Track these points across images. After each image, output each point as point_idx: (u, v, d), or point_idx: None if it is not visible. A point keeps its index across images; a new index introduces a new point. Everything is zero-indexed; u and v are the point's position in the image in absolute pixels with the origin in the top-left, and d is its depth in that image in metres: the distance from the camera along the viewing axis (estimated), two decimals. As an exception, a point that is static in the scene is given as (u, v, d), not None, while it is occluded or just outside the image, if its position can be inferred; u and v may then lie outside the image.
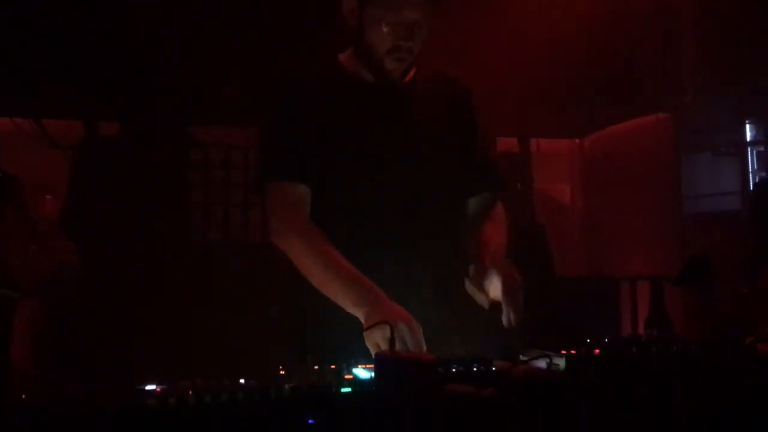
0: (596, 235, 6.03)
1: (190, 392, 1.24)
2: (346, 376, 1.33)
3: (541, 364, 1.35)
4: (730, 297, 1.92)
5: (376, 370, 1.08)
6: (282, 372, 1.42)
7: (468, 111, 1.89)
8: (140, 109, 4.55)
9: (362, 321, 1.55)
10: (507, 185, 1.92)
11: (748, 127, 5.14)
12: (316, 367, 1.41)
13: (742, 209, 4.95)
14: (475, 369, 1.18)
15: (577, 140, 6.30)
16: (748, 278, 2.62)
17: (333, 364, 1.39)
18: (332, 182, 1.75)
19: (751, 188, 4.96)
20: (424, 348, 1.47)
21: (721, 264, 4.23)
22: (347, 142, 1.75)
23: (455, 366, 1.20)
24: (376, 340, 1.49)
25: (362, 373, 1.33)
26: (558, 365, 1.27)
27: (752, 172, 5.13)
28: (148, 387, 1.32)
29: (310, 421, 1.00)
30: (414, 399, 0.98)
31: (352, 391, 1.09)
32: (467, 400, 0.97)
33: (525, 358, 1.44)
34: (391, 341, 1.14)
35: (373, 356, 1.32)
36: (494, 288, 1.61)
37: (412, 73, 1.83)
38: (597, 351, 1.29)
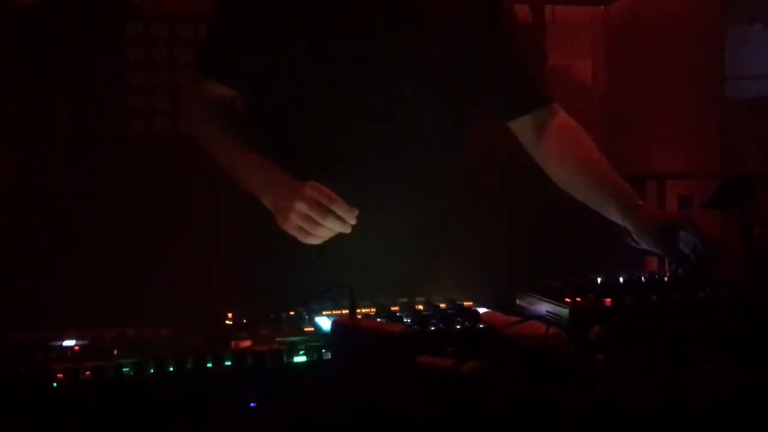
0: (620, 124, 5.96)
1: (115, 352, 1.22)
2: (306, 329, 1.31)
3: (541, 310, 1.34)
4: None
5: (333, 341, 1.04)
6: (229, 321, 1.41)
7: (493, 20, 1.79)
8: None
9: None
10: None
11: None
12: (271, 314, 1.40)
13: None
14: (458, 327, 1.15)
15: (602, 7, 6.12)
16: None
17: (292, 309, 1.38)
18: (297, 95, 1.70)
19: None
20: (348, 215, 1.50)
21: (765, 167, 4.21)
22: (324, 39, 1.67)
23: (435, 323, 1.18)
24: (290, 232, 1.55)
25: (326, 323, 1.30)
26: (560, 317, 1.25)
27: (811, 50, 5.02)
28: (66, 342, 1.30)
29: (252, 405, 0.97)
30: (379, 376, 0.95)
31: (307, 361, 1.06)
32: (443, 378, 0.95)
33: (521, 304, 1.42)
34: (351, 306, 1.10)
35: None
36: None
37: None
38: (608, 301, 1.26)
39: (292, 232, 1.57)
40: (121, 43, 4.62)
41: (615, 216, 1.72)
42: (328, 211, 1.51)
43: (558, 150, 1.82)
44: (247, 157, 1.70)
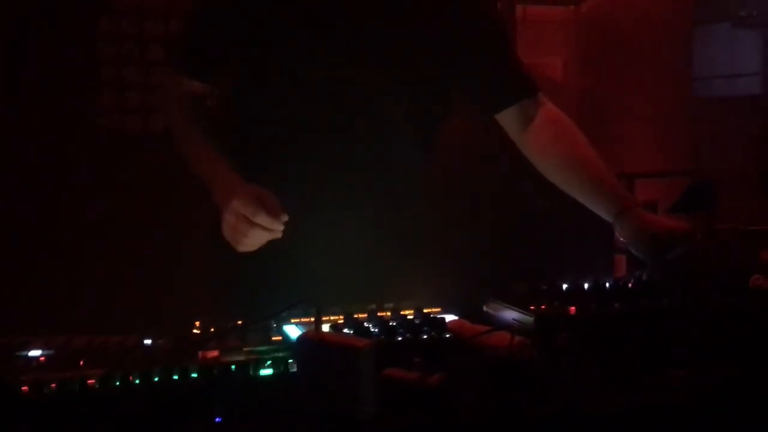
0: (590, 122, 6.00)
1: (81, 362, 1.21)
2: (274, 338, 1.31)
3: (508, 317, 1.34)
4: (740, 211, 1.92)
5: (299, 356, 1.04)
6: (197, 330, 1.40)
7: (475, 11, 1.78)
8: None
9: None
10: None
11: (775, -6, 5.04)
12: (240, 321, 1.39)
13: (763, 93, 4.93)
14: (424, 337, 1.16)
15: (572, 6, 6.15)
16: (761, 193, 2.63)
17: (259, 322, 1.38)
18: (268, 92, 1.70)
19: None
20: (274, 224, 1.50)
21: (732, 166, 4.26)
22: (296, 34, 1.66)
23: (402, 333, 1.18)
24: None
25: (294, 332, 1.30)
26: (525, 325, 1.25)
27: (776, 49, 5.08)
28: (31, 353, 1.29)
29: (216, 420, 0.97)
30: (344, 391, 0.95)
31: (273, 373, 1.06)
32: (410, 390, 0.95)
33: (488, 311, 1.43)
34: (317, 321, 1.10)
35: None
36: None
37: None
38: (572, 309, 1.27)
39: (227, 239, 1.58)
40: (92, 39, 4.56)
41: (604, 214, 1.71)
42: (252, 224, 1.51)
43: (546, 143, 1.80)
44: (201, 151, 1.71)
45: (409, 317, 1.28)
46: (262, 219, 1.51)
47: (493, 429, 1.01)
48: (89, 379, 1.06)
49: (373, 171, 1.71)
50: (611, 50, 5.77)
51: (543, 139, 1.80)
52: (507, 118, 1.82)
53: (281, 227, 1.52)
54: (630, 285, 1.45)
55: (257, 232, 1.52)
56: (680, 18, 5.32)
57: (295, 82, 1.68)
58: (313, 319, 1.31)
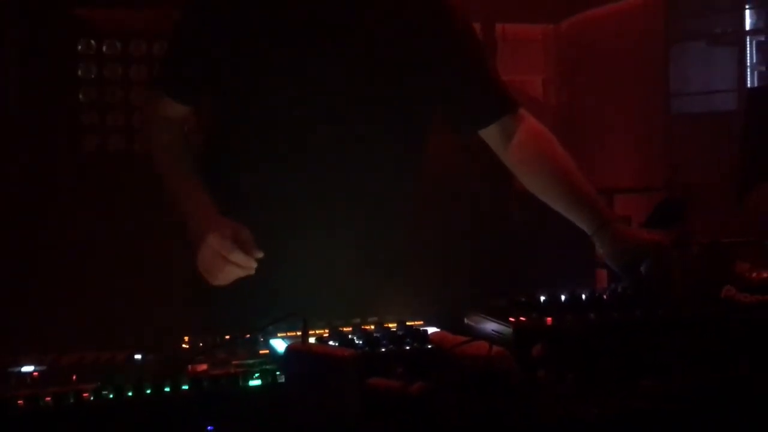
0: (569, 138, 6.08)
1: (74, 377, 1.25)
2: (261, 351, 1.35)
3: (488, 329, 1.39)
4: (714, 225, 1.98)
5: (287, 366, 1.09)
6: (186, 345, 1.44)
7: (450, 30, 1.80)
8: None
9: None
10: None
11: (747, 13, 5.16)
12: (227, 336, 1.43)
13: (738, 110, 5.03)
14: (407, 348, 1.20)
15: (552, 25, 6.24)
16: (736, 204, 2.70)
17: (247, 332, 1.42)
18: (247, 112, 1.73)
19: (748, 89, 5.03)
20: (248, 262, 1.55)
21: (709, 179, 4.33)
22: (272, 59, 1.69)
23: (385, 344, 1.22)
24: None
25: (281, 345, 1.34)
26: (505, 336, 1.30)
27: (750, 66, 5.19)
28: (24, 368, 1.32)
29: (209, 429, 1.01)
30: (330, 399, 0.99)
31: (262, 384, 1.10)
32: (392, 399, 1.00)
33: (469, 323, 1.48)
34: (304, 332, 1.15)
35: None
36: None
37: None
38: (549, 320, 1.32)
39: (201, 271, 1.63)
40: (74, 60, 4.57)
41: (584, 228, 1.77)
42: (226, 261, 1.56)
43: (528, 158, 1.85)
44: (179, 181, 1.76)
45: (392, 329, 1.33)
46: (236, 257, 1.56)
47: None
48: (84, 393, 1.10)
49: (356, 188, 1.74)
50: (589, 68, 5.87)
51: (525, 154, 1.84)
52: (489, 134, 1.86)
53: (254, 265, 1.57)
54: (605, 297, 1.50)
55: (231, 268, 1.58)
56: (656, 36, 5.42)
57: (276, 102, 1.71)
58: (298, 333, 1.36)
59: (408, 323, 1.38)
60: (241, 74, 1.72)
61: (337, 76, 1.70)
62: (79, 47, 4.58)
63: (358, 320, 1.44)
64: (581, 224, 1.77)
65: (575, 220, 1.78)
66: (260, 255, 1.56)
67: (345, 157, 1.72)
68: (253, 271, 1.58)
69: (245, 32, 1.70)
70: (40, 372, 1.29)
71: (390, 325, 1.36)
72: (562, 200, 1.80)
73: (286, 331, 1.41)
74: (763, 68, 5.13)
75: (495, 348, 1.17)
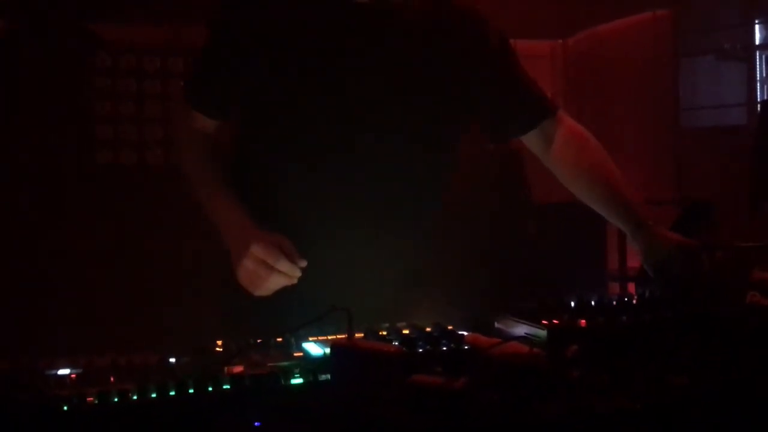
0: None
1: (112, 379, 1.26)
2: (295, 354, 1.36)
3: (519, 331, 1.40)
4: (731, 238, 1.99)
5: (332, 362, 1.10)
6: (219, 348, 1.45)
7: (484, 43, 1.80)
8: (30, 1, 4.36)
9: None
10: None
11: (757, 27, 5.18)
12: (259, 340, 1.44)
13: (748, 124, 5.04)
14: (444, 348, 1.22)
15: (560, 41, 6.28)
16: (750, 214, 2.71)
17: (279, 336, 1.43)
18: (282, 126, 1.73)
19: (759, 102, 5.05)
20: (293, 271, 1.56)
21: (719, 192, 4.34)
22: (308, 75, 1.69)
23: (422, 345, 1.24)
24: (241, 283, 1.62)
25: (314, 348, 1.35)
26: (537, 337, 1.32)
27: (760, 81, 5.21)
28: (60, 371, 1.33)
29: (256, 424, 1.02)
30: (376, 395, 1.00)
31: (304, 382, 1.11)
32: (437, 394, 1.01)
33: (499, 326, 1.49)
34: (349, 328, 1.16)
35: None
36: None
37: None
38: (583, 322, 1.33)
39: (242, 283, 1.63)
40: (89, 74, 4.61)
41: (621, 227, 1.80)
42: (272, 270, 1.57)
43: (569, 160, 1.86)
44: (213, 194, 1.74)
45: (427, 331, 1.34)
46: (283, 265, 1.56)
47: (514, 430, 1.07)
48: (127, 392, 1.11)
49: (389, 200, 1.74)
50: (599, 83, 5.89)
51: (566, 156, 1.86)
52: (530, 138, 1.89)
53: (299, 274, 1.58)
54: (634, 302, 1.52)
55: (276, 277, 1.58)
56: (665, 51, 5.45)
57: (309, 118, 1.71)
58: (330, 337, 1.37)
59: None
60: (272, 90, 1.72)
61: (372, 91, 1.70)
62: (94, 61, 4.61)
63: (388, 325, 1.45)
64: (619, 224, 1.80)
65: (613, 220, 1.81)
66: (304, 263, 1.57)
67: (380, 168, 1.72)
68: (296, 280, 1.58)
69: (277, 48, 1.70)
70: (77, 374, 1.30)
71: (424, 328, 1.37)
72: (601, 200, 1.82)
73: (317, 336, 1.42)
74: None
75: (534, 348, 1.19)
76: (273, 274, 1.57)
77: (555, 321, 1.34)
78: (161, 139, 4.73)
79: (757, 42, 5.23)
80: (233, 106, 1.80)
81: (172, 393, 1.11)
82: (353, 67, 1.69)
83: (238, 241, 1.63)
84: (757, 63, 5.20)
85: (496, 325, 1.48)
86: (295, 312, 1.64)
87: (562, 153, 1.86)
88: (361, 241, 1.73)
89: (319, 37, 1.69)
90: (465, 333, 1.33)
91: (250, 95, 1.74)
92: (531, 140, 1.89)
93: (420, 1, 1.74)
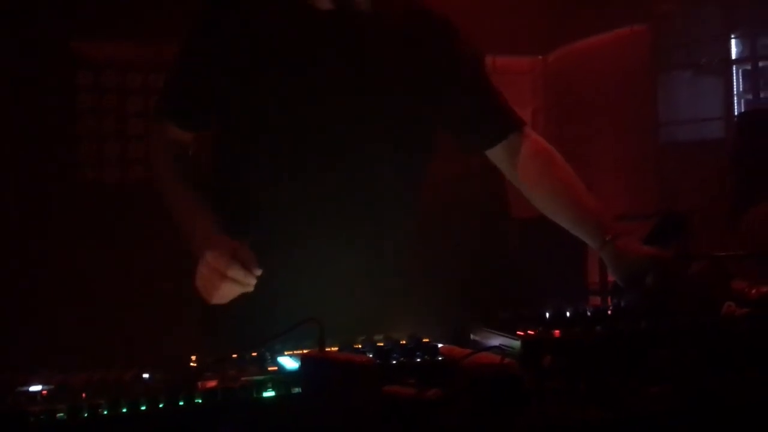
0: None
1: (83, 395, 1.24)
2: (270, 368, 1.34)
3: (495, 343, 1.40)
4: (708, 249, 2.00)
5: (303, 374, 1.09)
6: (193, 363, 1.43)
7: (454, 52, 1.82)
8: (12, 17, 4.35)
9: None
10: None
11: (733, 42, 5.24)
12: (234, 354, 1.42)
13: (727, 137, 5.08)
14: (419, 360, 1.21)
15: (540, 57, 6.32)
16: (728, 227, 2.73)
17: (254, 350, 1.41)
18: (254, 136, 1.73)
19: (736, 116, 5.09)
20: (247, 278, 1.53)
21: (699, 205, 4.37)
22: (279, 84, 1.70)
23: (396, 356, 1.23)
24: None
25: (289, 362, 1.34)
26: (512, 348, 1.31)
27: (737, 95, 5.26)
28: (32, 388, 1.31)
29: (227, 437, 1.01)
30: (347, 406, 0.99)
31: (276, 395, 1.10)
32: (409, 405, 1.00)
33: (475, 338, 1.48)
34: (320, 339, 1.15)
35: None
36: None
37: None
38: (557, 333, 1.33)
39: (199, 290, 1.61)
40: (72, 91, 4.60)
41: (590, 242, 1.79)
42: (224, 277, 1.54)
43: (535, 176, 1.86)
44: (182, 201, 1.74)
45: (402, 343, 1.33)
46: (234, 273, 1.53)
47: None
48: (98, 407, 1.09)
49: (362, 207, 1.74)
50: (578, 98, 5.93)
51: (532, 171, 1.86)
52: (496, 153, 1.88)
53: (254, 281, 1.55)
54: (608, 311, 1.52)
55: (229, 285, 1.55)
56: (643, 66, 5.49)
57: (281, 126, 1.71)
58: (305, 351, 1.36)
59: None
60: (246, 100, 1.72)
61: (343, 99, 1.71)
62: (77, 79, 4.60)
63: (364, 337, 1.44)
64: (587, 238, 1.79)
65: (581, 235, 1.80)
66: (259, 272, 1.54)
67: (351, 176, 1.73)
68: (251, 288, 1.55)
69: (250, 58, 1.71)
70: (49, 390, 1.28)
71: (399, 340, 1.36)
72: (567, 215, 1.82)
73: (292, 349, 1.41)
74: (750, 96, 5.19)
75: (506, 359, 1.18)
76: (225, 281, 1.54)
77: (530, 332, 1.34)
78: (144, 157, 4.72)
79: (734, 56, 5.28)
80: (207, 117, 1.80)
81: (143, 407, 1.09)
82: (324, 76, 1.70)
83: (198, 248, 1.62)
84: (734, 77, 5.25)
85: (472, 337, 1.47)
86: (269, 323, 1.64)
87: (527, 167, 1.86)
88: (337, 249, 1.73)
89: (290, 46, 1.70)
90: (440, 345, 1.32)
91: (223, 105, 1.75)
92: (497, 154, 1.89)
93: (393, 11, 1.75)
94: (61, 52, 4.57)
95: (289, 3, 1.73)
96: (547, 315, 1.48)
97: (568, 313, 1.48)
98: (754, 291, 1.74)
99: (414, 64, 1.76)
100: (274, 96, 1.70)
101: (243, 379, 1.28)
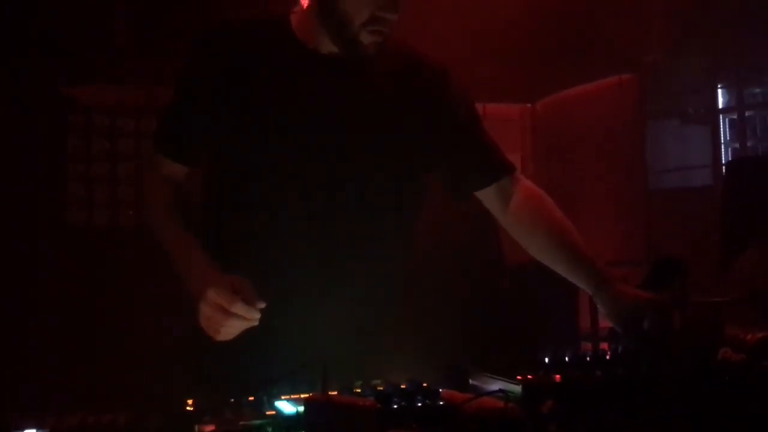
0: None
1: (80, 438, 1.22)
2: (268, 413, 1.33)
3: (494, 387, 1.39)
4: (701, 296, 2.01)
5: (306, 418, 1.08)
6: (190, 407, 1.41)
7: (447, 98, 1.83)
8: (3, 61, 4.37)
9: None
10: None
11: (720, 92, 5.32)
12: (232, 399, 1.41)
13: (714, 185, 5.13)
14: (419, 404, 1.20)
15: (529, 105, 6.39)
16: (719, 272, 2.74)
17: (251, 395, 1.40)
18: (247, 172, 1.74)
19: (724, 164, 5.15)
20: (250, 313, 1.53)
21: (691, 254, 4.39)
22: (273, 126, 1.71)
23: (397, 401, 1.22)
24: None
25: (287, 407, 1.33)
26: (512, 393, 1.30)
27: (724, 143, 5.33)
28: (27, 431, 1.29)
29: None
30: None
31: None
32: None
33: (474, 383, 1.47)
34: (323, 381, 1.14)
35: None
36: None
37: None
38: (557, 377, 1.32)
39: (203, 328, 1.61)
40: (63, 133, 4.61)
41: (584, 286, 1.79)
42: (228, 313, 1.54)
43: (526, 219, 1.87)
44: (178, 240, 1.74)
45: (402, 387, 1.32)
46: (238, 308, 1.54)
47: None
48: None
49: (353, 254, 1.74)
50: (567, 145, 5.99)
51: (523, 215, 1.87)
52: (487, 196, 1.89)
53: (258, 315, 1.55)
54: (607, 356, 1.52)
55: (233, 321, 1.55)
56: (631, 115, 5.56)
57: (275, 165, 1.72)
58: (302, 396, 1.35)
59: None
60: (240, 137, 1.73)
61: (336, 142, 1.72)
62: (68, 122, 4.61)
63: (360, 382, 1.42)
64: (581, 284, 1.79)
65: (574, 280, 1.80)
66: (262, 305, 1.54)
67: (344, 217, 1.73)
68: (256, 322, 1.55)
69: (245, 95, 1.72)
70: (43, 434, 1.27)
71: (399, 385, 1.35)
72: (560, 260, 1.82)
73: (289, 394, 1.39)
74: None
75: (509, 404, 1.17)
76: (229, 317, 1.54)
77: (530, 376, 1.34)
78: (135, 201, 4.71)
79: (720, 106, 5.36)
80: (201, 153, 1.81)
81: (141, 452, 1.08)
82: (317, 117, 1.72)
83: (197, 285, 1.61)
84: (721, 126, 5.32)
85: (471, 382, 1.46)
86: (264, 360, 1.63)
87: (519, 212, 1.87)
88: (327, 295, 1.72)
89: (283, 85, 1.72)
90: (440, 389, 1.31)
91: (217, 141, 1.76)
92: (489, 198, 1.89)
93: (387, 55, 1.76)
94: (51, 95, 4.59)
95: (288, 44, 1.75)
96: (546, 359, 1.48)
97: (567, 358, 1.48)
98: (749, 336, 1.75)
99: (408, 106, 1.78)
100: (267, 137, 1.72)
101: (242, 423, 1.27)
